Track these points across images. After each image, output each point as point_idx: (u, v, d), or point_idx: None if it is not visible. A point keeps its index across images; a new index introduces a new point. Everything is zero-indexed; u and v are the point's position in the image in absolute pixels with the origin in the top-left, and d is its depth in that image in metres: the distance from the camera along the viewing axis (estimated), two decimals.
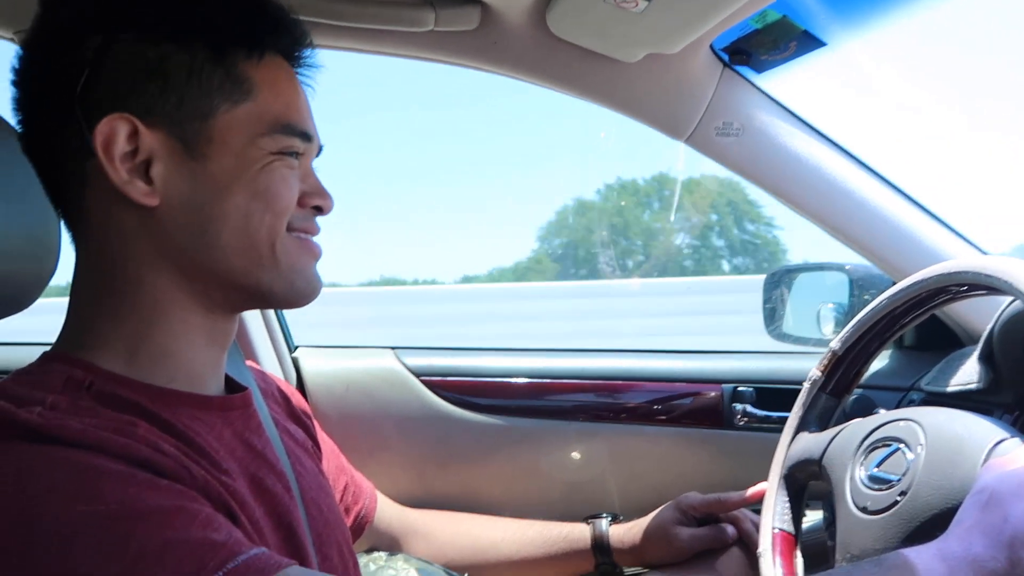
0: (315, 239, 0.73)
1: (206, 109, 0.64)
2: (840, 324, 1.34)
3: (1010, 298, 0.93)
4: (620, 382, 1.31)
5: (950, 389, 1.05)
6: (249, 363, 0.89)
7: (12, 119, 0.68)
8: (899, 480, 0.76)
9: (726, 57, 1.03)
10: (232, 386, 0.75)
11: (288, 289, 0.69)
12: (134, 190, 0.63)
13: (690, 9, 0.83)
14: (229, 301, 0.69)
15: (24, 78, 0.66)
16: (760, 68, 1.03)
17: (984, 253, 1.12)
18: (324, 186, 0.73)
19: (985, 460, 0.69)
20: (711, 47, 1.01)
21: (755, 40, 0.97)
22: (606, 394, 1.31)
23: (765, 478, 0.96)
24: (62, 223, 0.69)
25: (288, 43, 0.70)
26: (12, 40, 0.93)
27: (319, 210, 0.72)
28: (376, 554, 1.10)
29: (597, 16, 0.87)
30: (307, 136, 0.69)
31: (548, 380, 1.32)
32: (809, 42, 0.96)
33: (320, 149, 0.74)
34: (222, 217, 0.65)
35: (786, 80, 1.06)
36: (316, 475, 0.83)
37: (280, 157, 0.67)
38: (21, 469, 0.51)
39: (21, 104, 0.66)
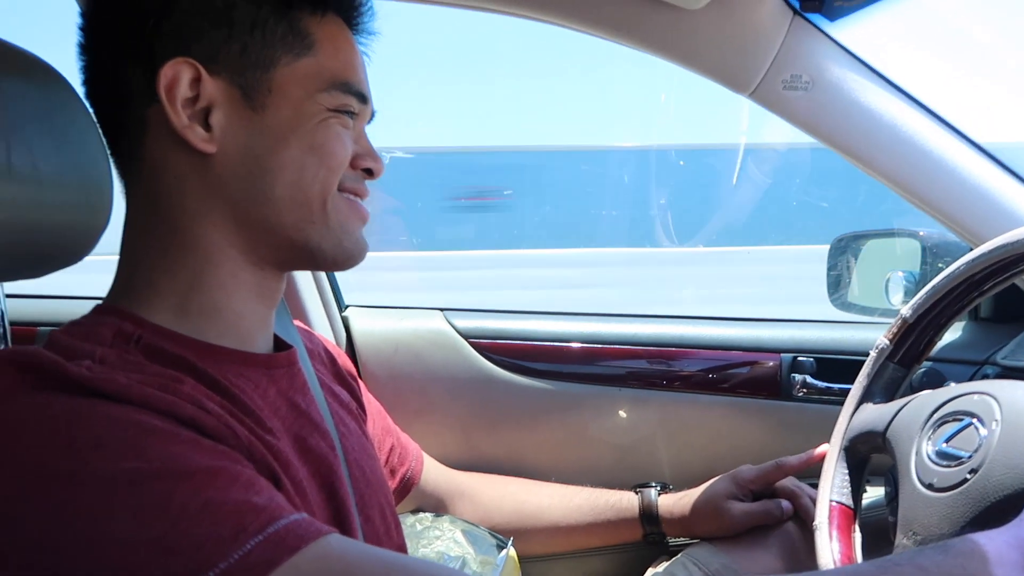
0: (364, 203, 0.73)
1: (268, 60, 0.65)
2: (910, 294, 1.27)
3: None
4: (674, 349, 1.27)
5: None
6: (296, 323, 0.89)
7: (77, 63, 0.68)
8: (970, 457, 0.71)
9: (796, 3, 0.96)
10: (279, 345, 0.75)
11: (336, 248, 0.69)
12: (193, 135, 0.64)
13: None
14: (278, 257, 0.69)
15: (92, 22, 0.67)
16: (833, 16, 0.96)
17: None
18: (376, 150, 0.73)
19: None
20: None
21: None
22: (659, 361, 1.28)
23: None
24: (114, 174, 0.70)
25: (349, 4, 0.71)
26: None
27: (369, 173, 0.73)
28: (422, 515, 1.10)
29: None
30: (363, 97, 0.70)
31: (600, 345, 1.29)
32: None
33: (373, 114, 0.74)
34: (277, 168, 0.65)
35: (862, 30, 0.98)
36: (359, 437, 0.82)
37: (336, 115, 0.68)
38: (71, 421, 0.51)
39: (86, 48, 0.67)
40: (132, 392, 0.54)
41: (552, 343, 1.29)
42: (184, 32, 0.63)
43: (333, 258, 0.70)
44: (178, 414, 0.55)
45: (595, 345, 1.29)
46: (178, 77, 0.63)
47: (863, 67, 1.00)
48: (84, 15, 0.67)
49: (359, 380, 0.95)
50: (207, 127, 0.64)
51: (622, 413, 1.27)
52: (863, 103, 0.99)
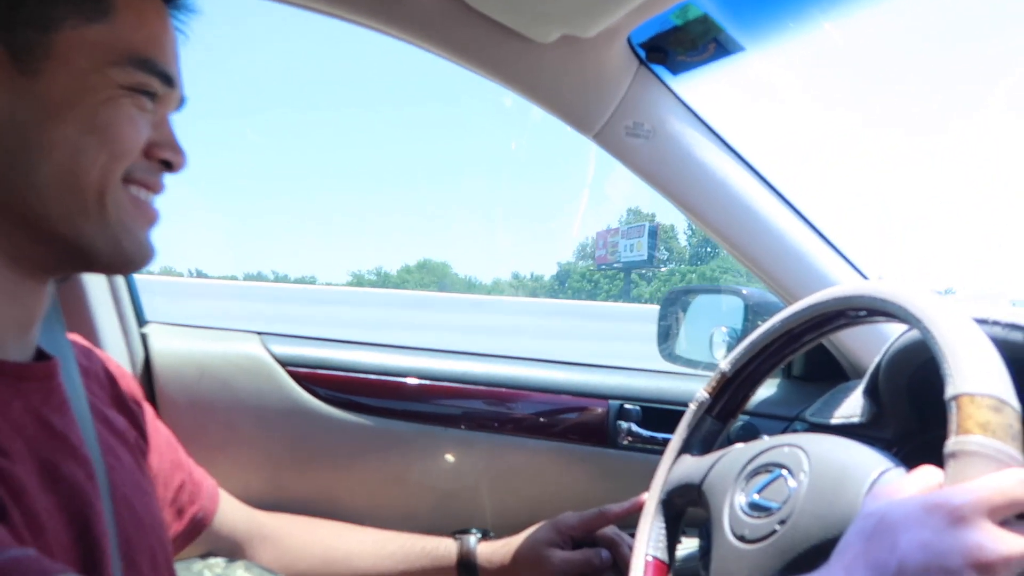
0: (155, 202, 0.64)
1: (48, 19, 0.56)
2: (731, 349, 1.32)
3: (899, 333, 0.92)
4: (505, 390, 1.24)
5: (833, 421, 1.05)
6: (75, 337, 0.77)
7: None
8: (779, 508, 0.71)
9: (643, 53, 0.98)
10: (40, 355, 0.64)
11: (112, 249, 0.60)
12: None
13: None
14: (41, 255, 0.59)
15: None
16: (676, 69, 0.99)
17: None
18: (179, 141, 0.64)
19: (869, 490, 0.66)
20: (628, 41, 0.96)
21: (674, 37, 0.93)
22: (491, 402, 1.24)
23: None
24: None
25: None
26: None
27: (168, 166, 0.64)
28: (213, 560, 0.98)
29: None
30: (168, 79, 0.62)
31: (428, 382, 1.23)
32: (728, 45, 0.92)
33: (183, 101, 0.66)
34: (47, 146, 0.56)
35: (699, 87, 1.02)
36: (133, 471, 0.72)
37: (130, 93, 0.59)
38: None
39: None
40: None
41: (379, 376, 1.22)
42: None
43: (109, 261, 0.61)
44: None
45: (423, 381, 1.23)
46: None
47: (700, 123, 1.04)
48: None
49: (143, 407, 0.84)
50: None
51: (447, 455, 1.21)
52: (698, 157, 1.02)
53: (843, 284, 0.79)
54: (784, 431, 1.13)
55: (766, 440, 0.82)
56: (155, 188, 0.64)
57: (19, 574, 0.43)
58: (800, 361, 1.26)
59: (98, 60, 0.58)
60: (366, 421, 1.19)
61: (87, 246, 0.59)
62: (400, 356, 1.25)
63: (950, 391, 0.58)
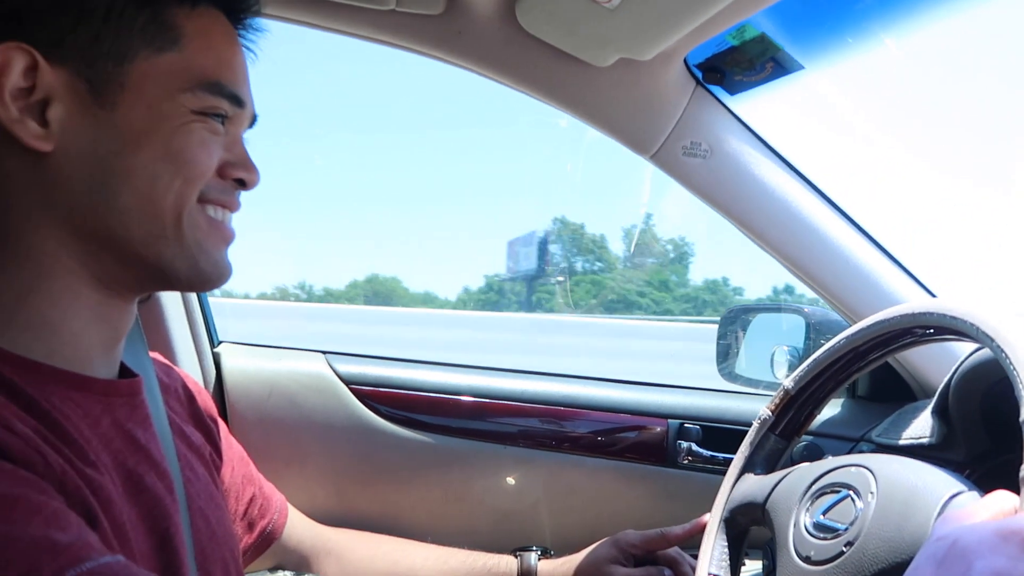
0: (230, 223, 0.67)
1: (123, 52, 0.58)
2: (793, 368, 1.30)
3: (969, 351, 0.89)
4: (564, 408, 1.24)
5: (901, 442, 1.02)
6: (155, 355, 0.81)
7: None
8: (846, 529, 0.70)
9: (699, 74, 0.99)
10: (125, 374, 0.67)
11: (191, 269, 0.63)
12: (24, 130, 0.56)
13: (663, 9, 0.78)
14: (124, 275, 0.62)
15: None
16: (734, 90, 0.99)
17: None
18: (251, 159, 0.67)
19: (939, 513, 0.65)
20: (685, 62, 0.97)
21: (730, 58, 0.94)
22: (548, 420, 1.24)
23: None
24: None
25: None
26: None
27: (242, 184, 0.66)
28: (281, 573, 1.01)
29: (568, 11, 0.83)
30: (237, 100, 0.63)
31: (488, 400, 1.24)
32: (786, 63, 0.92)
33: (255, 119, 0.68)
34: (125, 174, 0.59)
35: (758, 106, 1.02)
36: (208, 484, 0.75)
37: (202, 118, 0.61)
38: None
39: None
40: None
41: (438, 394, 1.24)
42: (24, 13, 0.57)
43: (188, 280, 0.63)
44: None
45: (483, 400, 1.24)
46: (8, 64, 0.55)
47: (759, 142, 1.04)
48: None
49: (219, 423, 0.87)
50: (44, 122, 0.57)
51: (507, 472, 1.22)
52: (757, 176, 1.02)
53: (911, 302, 0.78)
54: (850, 452, 1.11)
55: (831, 460, 0.81)
56: (231, 207, 0.66)
57: None
58: (865, 380, 1.24)
59: (170, 88, 0.60)
60: (427, 438, 1.21)
61: (167, 266, 0.62)
62: (460, 374, 1.27)
63: None
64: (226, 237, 0.66)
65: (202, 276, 0.64)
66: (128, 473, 0.60)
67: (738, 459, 0.90)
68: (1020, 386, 0.58)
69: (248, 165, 0.66)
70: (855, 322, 0.84)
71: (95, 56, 0.58)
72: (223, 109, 0.62)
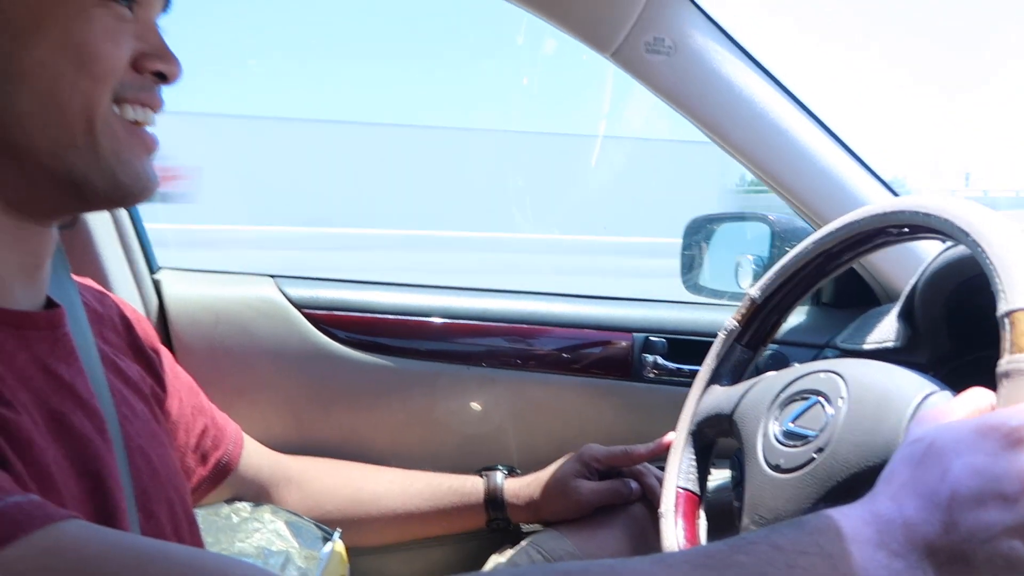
0: (152, 126, 0.59)
1: None
2: (758, 277, 1.28)
3: (935, 253, 0.88)
4: (528, 326, 1.21)
5: (866, 347, 1.01)
6: (86, 280, 0.75)
7: None
8: (816, 436, 0.69)
9: None
10: (49, 304, 0.61)
11: (108, 182, 0.56)
12: None
13: None
14: (35, 193, 0.55)
15: None
16: None
17: None
18: (169, 47, 0.59)
19: (913, 414, 0.63)
20: None
21: None
22: (513, 338, 1.21)
23: (673, 431, 0.89)
24: None
25: None
26: None
27: (162, 78, 0.59)
28: (239, 504, 0.98)
29: None
30: None
31: (450, 321, 1.20)
32: None
33: (168, 3, 0.60)
34: (21, 75, 0.52)
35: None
36: (148, 421, 0.70)
37: (104, 3, 0.54)
38: None
39: None
40: None
41: (398, 316, 1.19)
42: None
43: (106, 195, 0.57)
44: None
45: (445, 320, 1.20)
46: None
47: (726, 38, 0.98)
48: None
49: (161, 352, 0.82)
50: None
51: (470, 393, 1.20)
52: (724, 75, 0.97)
53: (883, 201, 0.75)
54: (814, 359, 1.10)
55: (800, 367, 0.79)
56: (153, 105, 0.59)
57: (23, 519, 0.41)
58: (830, 287, 1.22)
59: None
60: (386, 362, 1.18)
61: (80, 180, 0.55)
62: (418, 295, 1.23)
63: (1003, 307, 0.55)
64: (149, 145, 0.59)
65: (122, 189, 0.57)
66: (51, 412, 0.55)
67: (704, 371, 0.88)
68: (997, 279, 0.56)
69: (166, 55, 0.58)
70: (821, 227, 0.81)
71: None
72: None
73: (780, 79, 1.02)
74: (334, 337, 1.17)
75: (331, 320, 1.17)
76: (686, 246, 1.32)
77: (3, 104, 0.52)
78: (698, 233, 1.32)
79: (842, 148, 1.05)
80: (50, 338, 0.59)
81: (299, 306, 1.17)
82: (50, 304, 0.61)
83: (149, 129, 0.59)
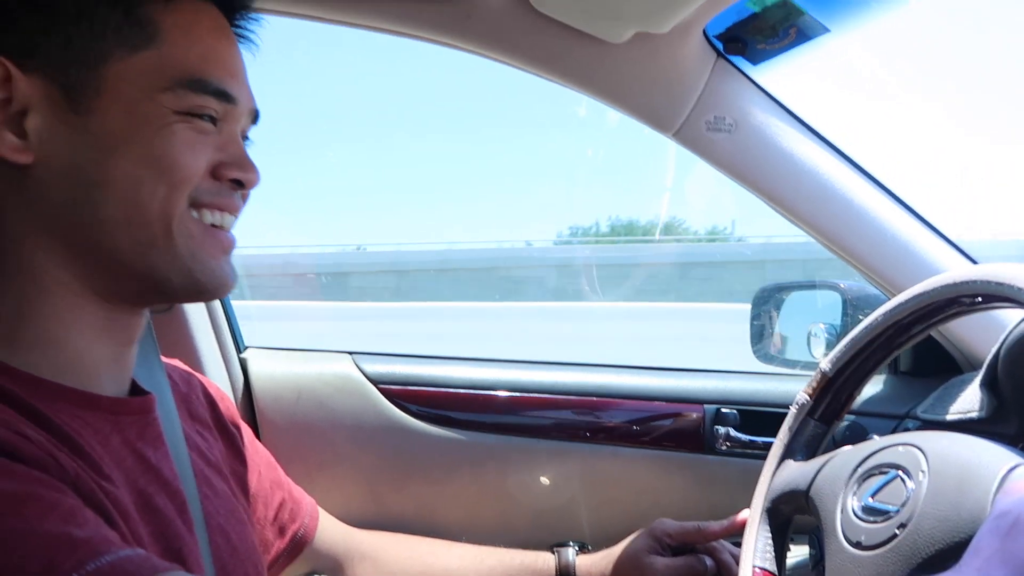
0: (230, 229, 0.64)
1: (96, 54, 0.56)
2: (831, 346, 1.26)
3: (1018, 319, 0.85)
4: (597, 399, 1.22)
5: (949, 417, 0.98)
6: (176, 362, 0.80)
7: None
8: (898, 511, 0.67)
9: (720, 45, 0.95)
10: (137, 390, 0.66)
11: (185, 279, 0.60)
12: (2, 144, 0.55)
13: None
14: (121, 287, 0.60)
15: None
16: (756, 59, 0.95)
17: None
18: (249, 157, 0.64)
19: (998, 487, 0.61)
20: (704, 33, 0.93)
21: (752, 25, 0.90)
22: (581, 411, 1.22)
23: (747, 507, 0.87)
24: None
25: None
26: None
27: (239, 185, 0.63)
28: None
29: None
30: (226, 96, 0.60)
31: (519, 394, 1.22)
32: (810, 28, 0.88)
33: (257, 116, 0.65)
34: (107, 183, 0.57)
35: (783, 75, 0.98)
36: (228, 498, 0.74)
37: (185, 118, 0.58)
38: None
39: None
40: None
41: (468, 391, 1.22)
42: None
43: (184, 291, 0.61)
44: None
45: (515, 394, 1.22)
46: None
47: (785, 112, 1.00)
48: None
49: (242, 428, 0.86)
50: (22, 133, 0.55)
51: (541, 467, 1.20)
52: (785, 148, 0.98)
53: (954, 270, 0.74)
54: (895, 430, 1.07)
55: (877, 440, 0.77)
56: (229, 209, 0.63)
57: (134, 569, 0.44)
58: (907, 355, 1.19)
59: (148, 88, 0.57)
60: (458, 435, 1.20)
61: (160, 278, 0.59)
62: (488, 369, 1.25)
63: None
64: (224, 244, 0.63)
65: (198, 287, 0.61)
66: (139, 492, 0.59)
67: (777, 446, 0.87)
68: None
69: (244, 164, 0.63)
70: (895, 295, 0.81)
71: (68, 61, 0.56)
72: (209, 107, 0.59)
73: (842, 148, 1.03)
74: (408, 411, 1.20)
75: (405, 395, 1.21)
76: (755, 316, 1.31)
77: (90, 209, 0.57)
78: (767, 302, 1.31)
79: (910, 214, 1.04)
80: (140, 423, 0.63)
81: (375, 381, 1.21)
82: (135, 389, 0.66)
83: (227, 231, 0.63)
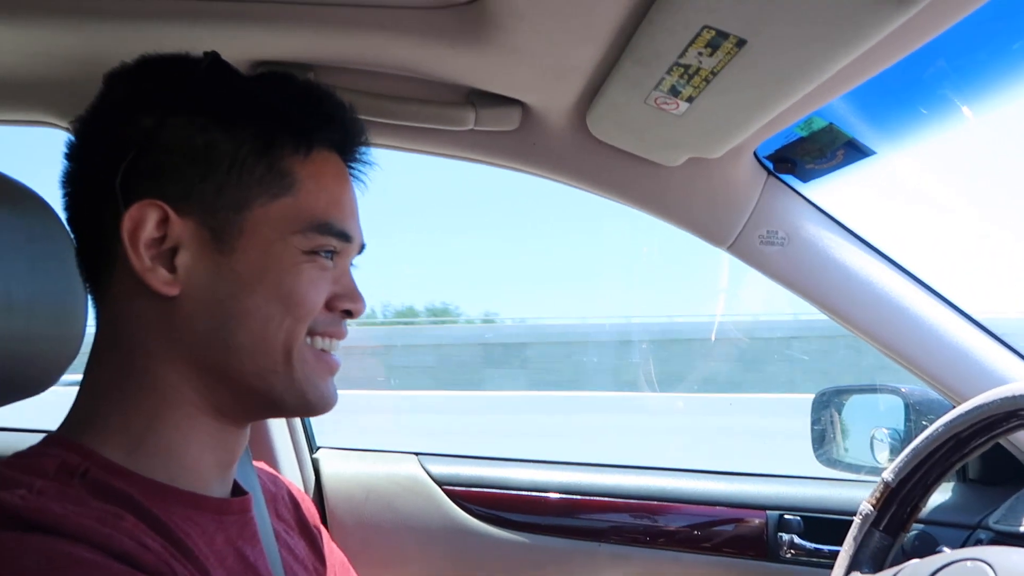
0: (335, 353, 0.70)
1: (243, 200, 0.63)
2: (895, 451, 1.25)
3: None
4: (657, 503, 1.22)
5: (1023, 529, 0.96)
6: (261, 464, 0.85)
7: (60, 192, 0.67)
8: None
9: (770, 165, 1.01)
10: (236, 490, 0.71)
11: (298, 400, 0.66)
12: (155, 278, 0.61)
13: (732, 113, 0.81)
14: (239, 405, 0.66)
15: (76, 153, 0.65)
16: (806, 177, 1.00)
17: None
18: (358, 288, 0.70)
19: None
20: (755, 154, 0.99)
21: (800, 148, 0.95)
22: (642, 515, 1.22)
23: None
24: (89, 305, 0.68)
25: (341, 138, 0.69)
26: (66, 129, 0.97)
27: (348, 314, 0.69)
28: None
29: (637, 119, 0.87)
30: (345, 236, 0.67)
31: (580, 497, 1.24)
32: (857, 151, 0.93)
33: (362, 248, 0.72)
34: (241, 315, 0.62)
35: (834, 190, 1.02)
36: None
37: (311, 257, 0.64)
38: None
39: (69, 178, 0.66)
40: (66, 523, 0.51)
41: (530, 492, 1.24)
42: (161, 170, 0.62)
43: (294, 410, 0.68)
44: (113, 548, 0.51)
45: (575, 496, 1.24)
46: (144, 218, 0.61)
47: (836, 225, 1.04)
48: (70, 144, 0.66)
49: (322, 530, 0.90)
50: (172, 268, 0.62)
51: (601, 570, 1.20)
52: (838, 259, 1.02)
53: (1014, 383, 0.75)
54: (966, 541, 1.05)
55: (946, 554, 0.77)
56: (339, 336, 0.69)
57: None
58: (977, 463, 1.17)
59: (283, 231, 0.63)
60: (520, 538, 1.21)
61: (277, 399, 0.65)
62: (550, 471, 1.27)
63: None
64: (332, 367, 0.68)
65: (308, 406, 0.67)
66: None
67: (842, 558, 0.86)
68: None
69: (355, 296, 0.68)
70: (958, 402, 0.81)
71: (218, 206, 0.62)
72: (331, 245, 0.65)
73: (895, 258, 1.05)
74: (471, 512, 1.23)
75: (469, 496, 1.23)
76: (815, 420, 1.31)
77: (224, 337, 0.63)
78: (827, 407, 1.31)
79: (968, 321, 1.05)
80: (240, 522, 0.68)
81: (440, 483, 1.25)
82: (236, 488, 0.71)
83: (334, 355, 0.69)
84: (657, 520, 1.22)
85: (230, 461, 0.69)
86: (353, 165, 0.72)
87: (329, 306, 0.67)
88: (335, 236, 0.65)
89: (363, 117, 0.93)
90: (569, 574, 1.21)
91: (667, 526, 1.21)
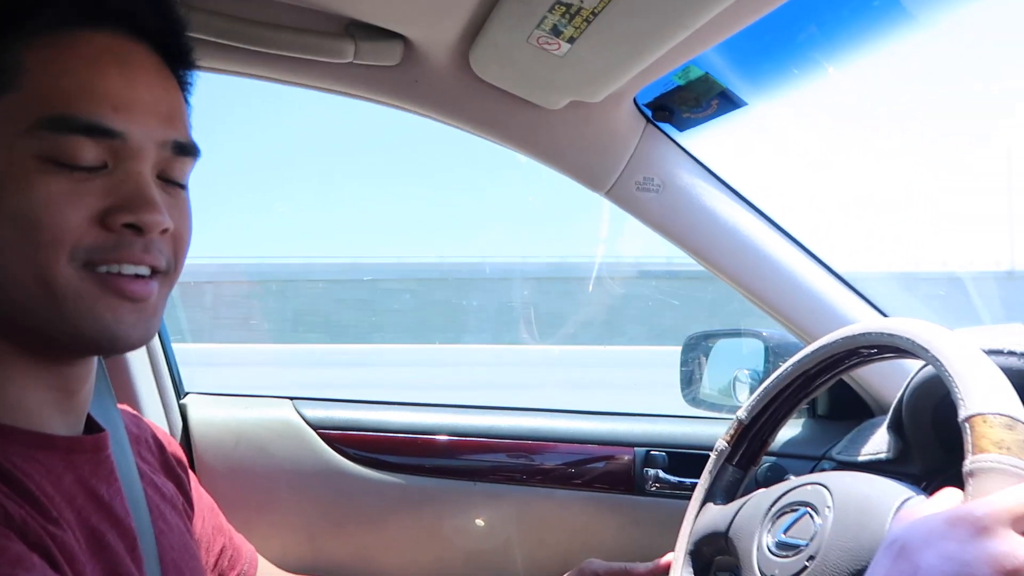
0: (143, 275, 0.57)
1: None
2: (754, 391, 1.33)
3: (918, 366, 0.93)
4: (532, 442, 1.26)
5: (860, 458, 1.05)
6: (123, 407, 0.81)
7: None
8: (807, 545, 0.73)
9: (649, 112, 1.03)
10: (93, 428, 0.67)
11: (72, 336, 0.55)
12: None
13: (611, 55, 0.82)
14: (29, 343, 0.57)
15: None
16: (682, 126, 1.03)
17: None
18: (147, 193, 0.55)
19: (893, 518, 0.67)
20: (635, 101, 1.01)
21: (677, 96, 0.98)
22: (517, 455, 1.25)
23: (673, 549, 0.92)
24: None
25: (96, 11, 0.54)
26: None
27: (136, 230, 0.55)
28: None
29: (520, 58, 0.86)
30: (104, 131, 0.53)
31: (456, 438, 1.25)
32: (730, 100, 0.97)
33: (185, 149, 0.58)
34: None
35: (707, 138, 1.06)
36: (183, 534, 0.74)
37: (48, 166, 0.51)
38: None
39: None
40: None
41: (406, 435, 1.24)
42: None
43: (70, 347, 0.57)
44: None
45: (452, 438, 1.25)
46: None
47: (709, 174, 1.08)
48: None
49: (189, 473, 0.87)
50: None
51: (477, 509, 1.23)
52: (709, 207, 1.06)
53: (854, 324, 0.81)
54: (812, 470, 1.14)
55: (789, 481, 0.83)
56: (131, 260, 0.56)
57: None
58: (824, 399, 1.27)
59: (7, 135, 0.51)
60: (396, 479, 1.22)
61: (50, 337, 0.56)
62: (426, 413, 1.28)
63: (962, 413, 0.60)
64: (128, 293, 0.55)
65: (86, 343, 0.56)
66: (91, 531, 0.59)
67: (698, 491, 0.92)
68: (956, 389, 0.62)
69: (137, 204, 0.54)
70: (810, 343, 0.87)
71: None
72: (79, 148, 0.52)
73: (761, 207, 1.11)
74: (347, 456, 1.22)
75: (345, 440, 1.22)
76: (684, 362, 1.37)
77: None
78: (695, 349, 1.38)
79: (824, 268, 1.13)
80: (93, 460, 0.63)
81: (315, 426, 1.23)
82: (92, 426, 0.67)
83: (140, 281, 0.57)
84: (532, 459, 1.25)
85: (67, 399, 0.62)
86: (132, 37, 0.56)
87: (105, 223, 0.54)
88: (82, 133, 0.52)
89: (234, 44, 0.87)
90: (445, 513, 1.22)
91: (542, 464, 1.25)
